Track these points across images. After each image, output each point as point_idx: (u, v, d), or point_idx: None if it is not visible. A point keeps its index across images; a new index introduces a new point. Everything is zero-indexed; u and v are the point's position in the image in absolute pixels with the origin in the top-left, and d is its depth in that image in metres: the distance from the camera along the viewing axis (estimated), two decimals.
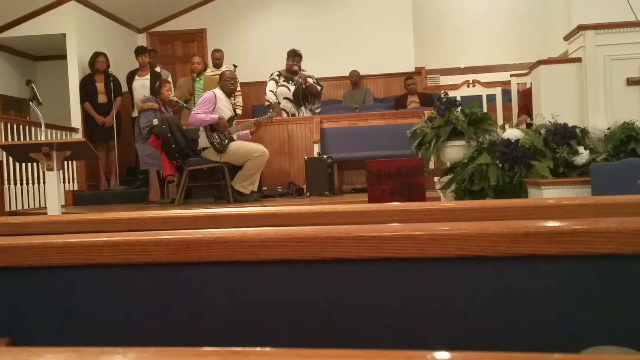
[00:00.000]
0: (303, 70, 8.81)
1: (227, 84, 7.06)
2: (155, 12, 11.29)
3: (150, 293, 1.25)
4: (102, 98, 9.03)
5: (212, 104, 6.79)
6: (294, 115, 8.76)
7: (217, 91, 6.98)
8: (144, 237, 1.24)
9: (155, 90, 7.99)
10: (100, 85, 9.03)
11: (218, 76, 9.26)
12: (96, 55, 9.06)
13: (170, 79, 9.40)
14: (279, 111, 8.76)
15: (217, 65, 9.72)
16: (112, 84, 9.00)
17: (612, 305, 1.08)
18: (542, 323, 1.09)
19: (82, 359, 0.69)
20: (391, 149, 7.47)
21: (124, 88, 9.41)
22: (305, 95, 8.76)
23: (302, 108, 8.81)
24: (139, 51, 9.34)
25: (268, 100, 8.91)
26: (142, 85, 9.09)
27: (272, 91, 8.89)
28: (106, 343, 1.24)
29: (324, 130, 8.55)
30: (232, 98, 7.37)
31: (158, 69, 9.58)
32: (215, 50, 9.83)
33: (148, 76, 9.12)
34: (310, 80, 8.72)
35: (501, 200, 1.84)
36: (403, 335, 1.15)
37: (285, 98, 8.80)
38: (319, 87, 8.82)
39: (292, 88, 8.77)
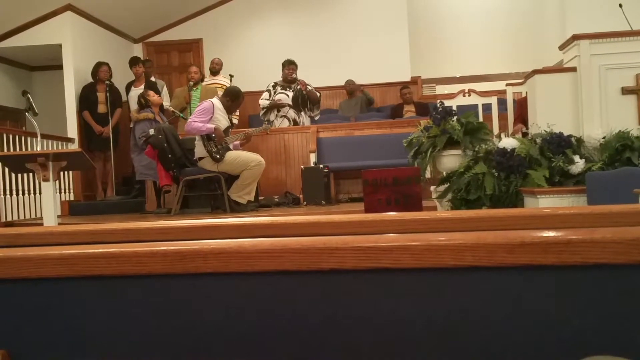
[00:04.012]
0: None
1: (234, 108, 7.13)
2: (151, 22, 11.32)
3: (146, 305, 1.25)
4: (101, 108, 9.04)
5: (210, 114, 6.79)
6: (295, 120, 8.77)
7: (215, 101, 6.98)
8: (140, 248, 1.24)
9: (141, 102, 7.99)
10: (101, 95, 9.05)
11: (215, 85, 9.32)
12: (99, 65, 9.08)
13: (165, 89, 9.43)
14: (280, 103, 8.79)
15: (215, 71, 9.76)
16: (111, 95, 9.00)
17: (608, 315, 1.08)
18: (538, 333, 1.09)
19: None
20: (387, 159, 7.48)
21: (124, 98, 9.43)
22: (305, 100, 8.79)
23: (303, 113, 8.83)
24: (133, 62, 9.36)
25: (264, 107, 8.92)
26: (136, 96, 9.10)
27: (266, 99, 8.92)
28: (102, 355, 1.24)
29: (320, 139, 8.56)
30: None
31: (153, 79, 9.59)
32: (216, 57, 9.94)
33: (142, 87, 9.12)
34: (308, 87, 8.78)
35: (497, 209, 1.85)
36: (399, 346, 1.14)
37: (286, 105, 8.83)
38: (318, 94, 8.85)
39: (291, 94, 8.79)
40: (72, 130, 9.22)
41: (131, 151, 8.21)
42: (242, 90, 7.28)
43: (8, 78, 10.59)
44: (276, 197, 7.83)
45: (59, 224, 5.87)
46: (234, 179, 6.78)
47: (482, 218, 1.68)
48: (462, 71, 11.65)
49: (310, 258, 1.16)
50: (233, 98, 7.04)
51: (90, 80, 9.21)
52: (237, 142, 7.24)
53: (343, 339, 1.16)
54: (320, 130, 8.69)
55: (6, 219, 7.57)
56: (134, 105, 8.92)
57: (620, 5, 5.94)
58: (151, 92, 7.92)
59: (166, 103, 8.35)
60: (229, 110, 7.11)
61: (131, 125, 9.11)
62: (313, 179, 7.21)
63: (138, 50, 11.43)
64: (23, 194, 7.92)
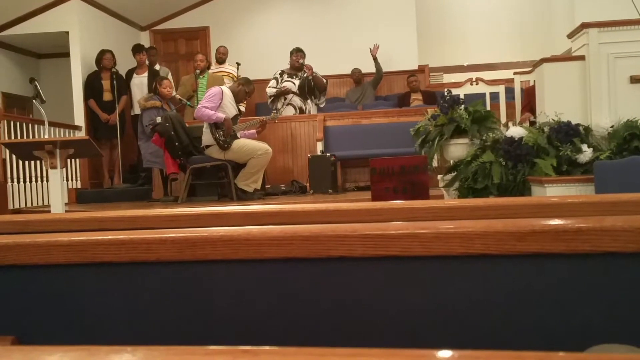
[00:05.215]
0: None
1: (244, 95, 7.13)
2: (159, 10, 11.30)
3: (155, 291, 1.25)
4: (107, 96, 9.04)
5: (219, 99, 6.78)
6: (300, 108, 8.74)
7: (225, 88, 6.98)
8: (150, 235, 1.24)
9: (153, 89, 8.00)
10: (106, 83, 9.04)
11: (222, 73, 9.31)
12: (103, 52, 9.07)
13: (170, 76, 9.41)
14: (286, 90, 8.76)
15: (220, 60, 9.76)
16: (116, 82, 9.01)
17: (618, 303, 1.07)
18: (548, 321, 1.09)
19: (92, 358, 0.69)
20: (394, 147, 7.47)
21: None
22: (311, 88, 8.75)
23: (309, 101, 8.80)
24: (136, 49, 9.34)
25: (271, 96, 8.90)
26: (140, 83, 9.10)
27: (273, 87, 8.89)
28: (111, 342, 1.24)
29: (327, 128, 8.55)
30: None
31: (157, 67, 9.59)
32: (221, 46, 9.90)
33: (146, 74, 9.13)
34: (314, 73, 8.74)
35: (505, 198, 1.84)
36: (408, 333, 1.15)
37: (291, 92, 8.81)
38: (324, 81, 8.82)
39: (297, 82, 8.76)
40: (80, 118, 9.23)
41: (138, 139, 8.22)
42: (249, 78, 7.29)
43: (15, 65, 10.59)
44: (283, 185, 7.83)
45: (66, 211, 5.89)
46: (241, 167, 6.78)
47: (491, 206, 1.67)
48: (469, 60, 11.59)
49: (319, 245, 1.16)
50: (244, 84, 7.06)
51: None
52: (253, 131, 7.24)
53: (352, 325, 1.16)
54: (328, 118, 8.67)
55: (14, 206, 7.60)
56: (137, 92, 8.93)
57: None
58: (165, 83, 7.90)
59: (173, 91, 8.34)
60: (238, 99, 7.11)
61: (132, 113, 9.14)
62: (320, 168, 7.20)
63: (145, 38, 11.41)
64: (30, 181, 7.94)
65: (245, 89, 7.06)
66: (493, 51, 11.49)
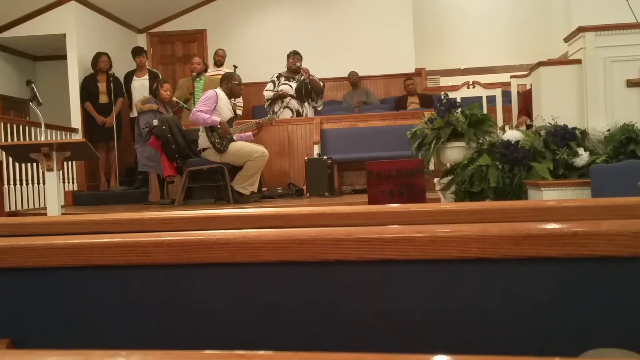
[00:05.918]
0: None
1: (237, 87, 7.06)
2: (156, 13, 11.30)
3: (151, 294, 1.25)
4: (103, 98, 9.03)
5: (214, 103, 6.77)
6: (297, 111, 8.73)
7: (219, 91, 6.97)
8: (145, 239, 1.24)
9: (153, 91, 7.99)
10: (102, 86, 9.04)
11: (219, 76, 9.29)
12: (99, 55, 9.07)
13: (160, 77, 9.42)
14: (284, 94, 8.73)
15: (219, 63, 9.77)
16: (113, 85, 9.00)
17: (613, 307, 1.07)
18: (543, 326, 1.09)
19: None
20: (391, 150, 7.47)
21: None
22: (308, 90, 8.74)
23: (306, 104, 8.78)
24: (137, 52, 9.34)
25: (268, 99, 8.89)
26: (141, 86, 9.10)
27: (270, 90, 8.87)
28: (107, 345, 1.24)
29: (324, 131, 8.55)
30: (233, 99, 7.35)
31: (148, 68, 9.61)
32: (220, 49, 9.91)
33: (147, 76, 9.13)
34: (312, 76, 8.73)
35: (502, 202, 1.84)
36: (403, 337, 1.14)
37: (289, 96, 8.80)
38: (321, 84, 8.81)
39: (294, 85, 8.75)
40: (76, 121, 9.22)
41: (135, 142, 8.21)
42: (246, 81, 7.26)
43: (12, 68, 10.58)
44: (279, 188, 7.82)
45: (63, 214, 5.88)
46: (238, 170, 6.77)
47: (487, 210, 1.67)
48: (466, 63, 11.61)
49: (315, 249, 1.16)
50: (229, 79, 7.03)
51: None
52: (250, 133, 7.23)
53: (348, 329, 1.16)
54: (324, 121, 8.67)
55: (10, 208, 7.58)
56: (137, 95, 8.92)
57: None
58: (166, 85, 7.88)
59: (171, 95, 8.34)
60: (231, 95, 7.07)
61: (131, 116, 9.14)
62: (316, 171, 7.19)
63: (142, 41, 11.41)
64: (27, 183, 7.93)
65: (234, 82, 7.02)
66: (490, 54, 11.51)
